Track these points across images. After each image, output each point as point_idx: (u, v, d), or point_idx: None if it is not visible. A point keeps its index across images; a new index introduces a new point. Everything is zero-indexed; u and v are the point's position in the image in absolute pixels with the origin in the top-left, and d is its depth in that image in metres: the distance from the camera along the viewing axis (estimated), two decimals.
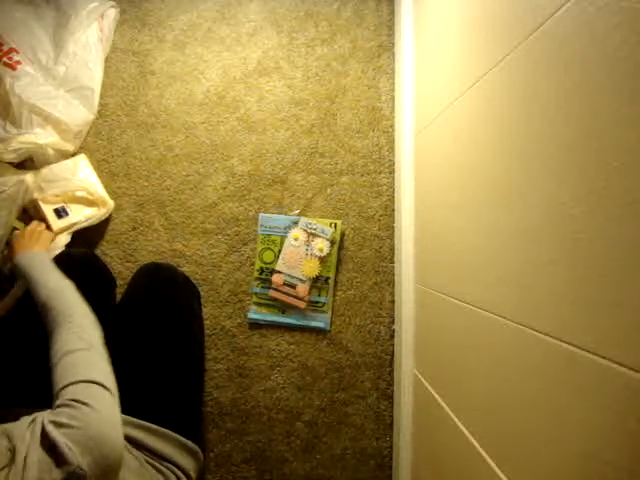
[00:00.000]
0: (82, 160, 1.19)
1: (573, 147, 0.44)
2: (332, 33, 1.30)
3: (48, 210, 1.08)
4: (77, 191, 1.11)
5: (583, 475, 0.41)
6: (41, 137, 1.10)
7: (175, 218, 1.22)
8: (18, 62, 1.12)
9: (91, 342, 0.61)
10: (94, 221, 1.14)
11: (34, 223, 1.02)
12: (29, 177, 1.06)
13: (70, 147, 1.18)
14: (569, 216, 0.45)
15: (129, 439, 0.71)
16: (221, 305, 1.18)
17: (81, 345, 0.60)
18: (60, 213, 1.09)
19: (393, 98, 1.26)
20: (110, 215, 1.20)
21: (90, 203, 1.14)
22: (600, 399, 0.39)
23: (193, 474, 0.80)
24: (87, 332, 0.63)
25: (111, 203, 1.17)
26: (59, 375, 0.56)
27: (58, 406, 0.51)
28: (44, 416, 0.50)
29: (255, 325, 1.17)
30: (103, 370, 0.58)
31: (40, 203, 1.07)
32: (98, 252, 1.19)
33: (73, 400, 0.51)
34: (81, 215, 1.12)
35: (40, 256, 0.84)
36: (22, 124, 1.09)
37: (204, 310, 1.16)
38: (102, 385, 0.55)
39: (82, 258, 0.95)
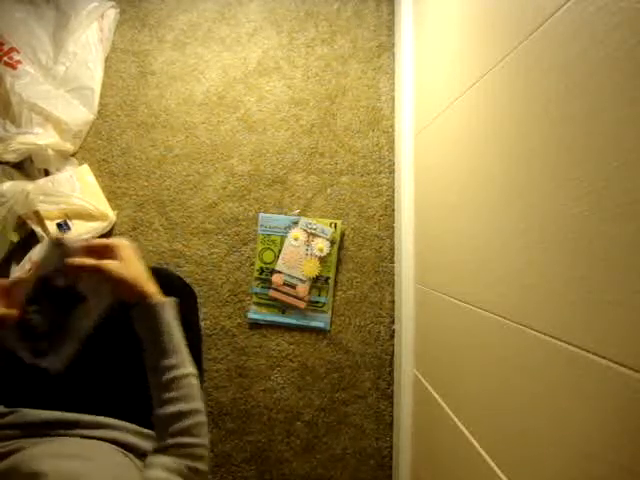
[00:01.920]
0: (85, 171, 1.19)
1: (573, 147, 0.44)
2: (332, 33, 1.30)
3: (51, 225, 1.09)
4: (77, 208, 1.12)
5: (583, 475, 0.41)
6: (41, 137, 1.10)
7: (175, 218, 1.22)
8: (18, 61, 1.13)
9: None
10: (95, 234, 1.14)
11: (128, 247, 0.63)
12: (30, 186, 1.06)
13: (70, 147, 1.18)
14: (569, 216, 0.45)
15: (132, 447, 0.71)
16: (221, 305, 1.18)
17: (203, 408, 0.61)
18: (62, 228, 1.10)
19: (393, 98, 1.26)
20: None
21: (92, 218, 1.14)
22: (600, 399, 0.39)
23: None
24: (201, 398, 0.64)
25: (112, 217, 1.18)
26: (191, 427, 0.57)
27: (191, 467, 0.53)
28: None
29: (255, 325, 1.17)
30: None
31: (44, 219, 1.08)
32: None
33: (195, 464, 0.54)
34: (82, 229, 1.12)
35: (175, 310, 0.65)
36: (22, 123, 1.09)
37: (204, 310, 1.16)
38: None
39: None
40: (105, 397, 0.62)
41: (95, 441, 0.69)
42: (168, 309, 0.62)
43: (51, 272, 0.56)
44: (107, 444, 0.69)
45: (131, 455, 0.70)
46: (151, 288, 0.62)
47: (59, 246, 0.56)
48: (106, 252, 0.59)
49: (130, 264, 0.60)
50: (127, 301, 0.60)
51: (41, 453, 0.55)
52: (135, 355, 0.85)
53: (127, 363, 0.83)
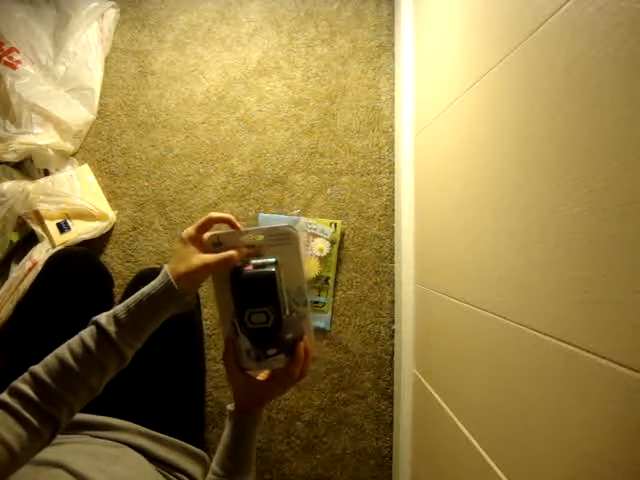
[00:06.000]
0: (85, 171, 1.18)
1: (573, 147, 0.44)
2: (332, 33, 1.30)
3: (51, 225, 1.08)
4: (77, 208, 1.11)
5: (583, 475, 0.41)
6: (41, 137, 1.10)
7: (175, 218, 1.22)
8: (18, 61, 1.13)
9: None
10: (96, 234, 1.13)
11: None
12: (30, 186, 1.06)
13: (70, 147, 1.18)
14: (569, 216, 0.45)
15: (142, 450, 0.71)
16: None
17: None
18: (62, 227, 1.09)
19: (393, 98, 1.26)
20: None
21: (92, 218, 1.14)
22: (600, 399, 0.39)
23: (200, 479, 0.80)
24: None
25: (113, 217, 1.17)
26: None
27: None
28: None
29: None
30: None
31: (44, 219, 1.08)
32: (98, 252, 1.19)
33: None
34: (82, 229, 1.12)
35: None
36: (22, 123, 1.09)
37: (204, 310, 1.16)
38: None
39: (81, 255, 0.94)
40: (116, 398, 0.62)
41: (124, 446, 0.69)
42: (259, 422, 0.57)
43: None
44: (132, 450, 0.70)
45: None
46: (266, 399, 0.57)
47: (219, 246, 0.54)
48: None
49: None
50: (249, 408, 0.55)
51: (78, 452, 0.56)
52: (146, 356, 0.85)
53: (137, 363, 0.83)
